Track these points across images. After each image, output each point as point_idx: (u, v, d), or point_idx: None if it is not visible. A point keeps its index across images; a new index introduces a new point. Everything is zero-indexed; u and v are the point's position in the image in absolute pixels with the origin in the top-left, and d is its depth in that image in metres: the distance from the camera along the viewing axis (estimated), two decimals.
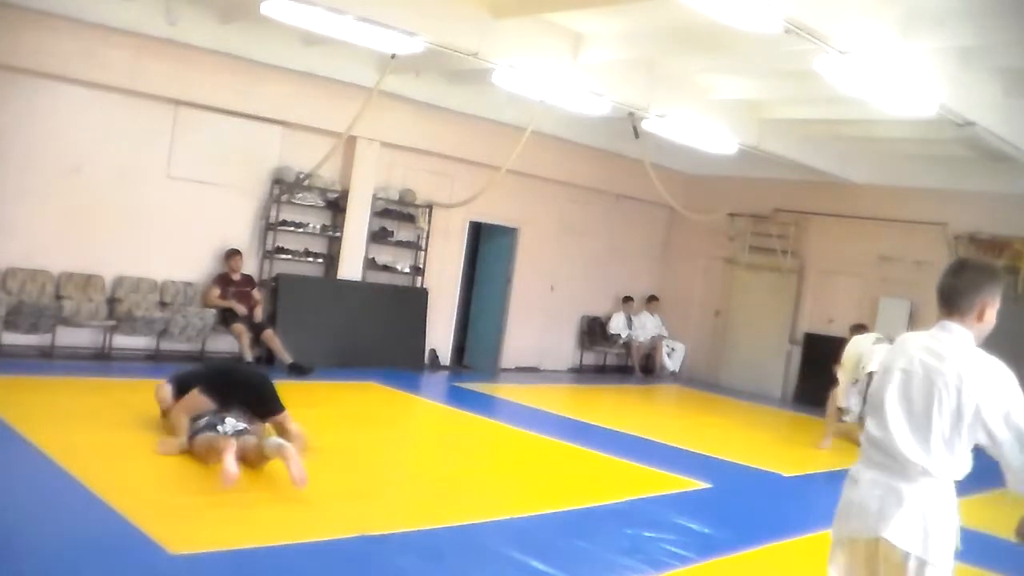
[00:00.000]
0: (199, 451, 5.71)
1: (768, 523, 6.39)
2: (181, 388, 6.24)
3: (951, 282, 2.99)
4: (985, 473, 3.06)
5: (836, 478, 9.06)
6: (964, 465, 2.82)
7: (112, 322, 9.06)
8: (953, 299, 2.95)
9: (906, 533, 2.77)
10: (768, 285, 13.72)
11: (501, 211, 12.44)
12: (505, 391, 11.14)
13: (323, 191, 10.72)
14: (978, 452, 2.88)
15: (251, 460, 5.55)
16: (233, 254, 9.83)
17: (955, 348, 2.87)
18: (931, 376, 2.83)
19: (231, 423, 5.82)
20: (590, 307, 14.04)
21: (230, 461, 5.14)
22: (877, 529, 2.82)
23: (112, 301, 9.17)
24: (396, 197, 11.40)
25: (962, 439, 2.78)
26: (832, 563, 3.00)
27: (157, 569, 3.94)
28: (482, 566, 4.62)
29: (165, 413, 6.30)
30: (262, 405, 6.21)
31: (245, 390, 6.22)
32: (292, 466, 5.20)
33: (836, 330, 11.76)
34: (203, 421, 5.86)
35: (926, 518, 2.77)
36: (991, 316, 2.98)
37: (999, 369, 2.82)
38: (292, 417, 6.23)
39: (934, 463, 2.78)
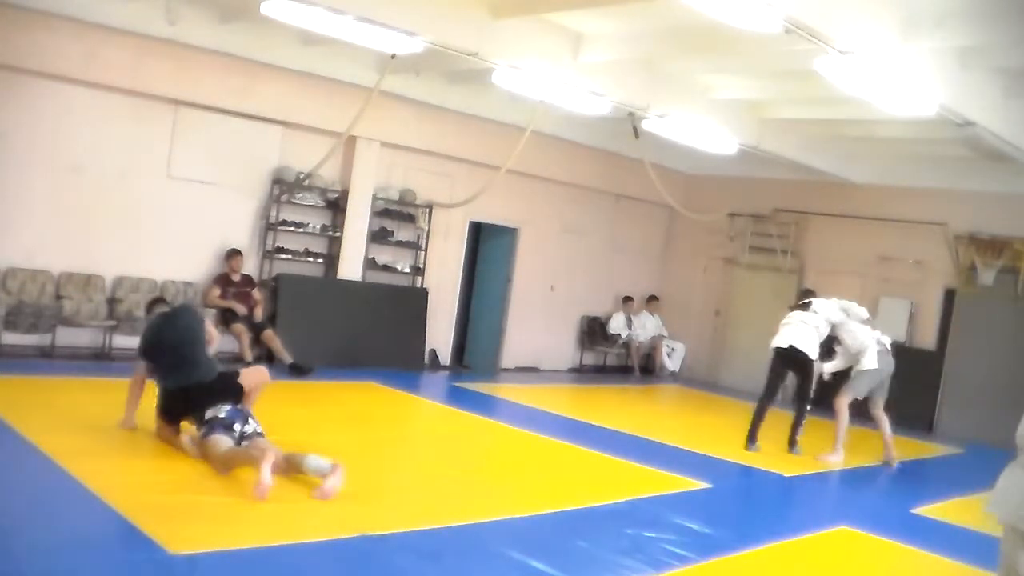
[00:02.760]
0: (221, 457, 5.42)
1: (768, 523, 6.39)
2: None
3: None
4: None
5: (836, 478, 9.08)
6: None
7: (112, 322, 9.06)
8: None
9: None
10: (768, 285, 13.72)
11: (501, 211, 12.44)
12: (505, 391, 11.14)
13: (323, 191, 10.72)
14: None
15: (280, 470, 5.28)
16: (234, 254, 9.83)
17: None
18: None
19: (253, 426, 5.66)
20: (590, 307, 14.04)
21: (267, 474, 4.98)
22: None
23: (112, 301, 9.18)
24: (396, 197, 11.40)
25: None
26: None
27: (157, 569, 3.94)
28: (482, 566, 4.62)
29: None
30: (230, 395, 5.89)
31: (209, 400, 5.79)
32: (330, 483, 5.14)
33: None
34: (220, 415, 5.59)
35: None
36: None
37: None
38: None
39: None
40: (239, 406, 5.76)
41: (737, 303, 14.16)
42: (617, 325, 13.98)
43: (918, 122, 8.79)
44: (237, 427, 5.59)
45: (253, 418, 5.77)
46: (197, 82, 9.36)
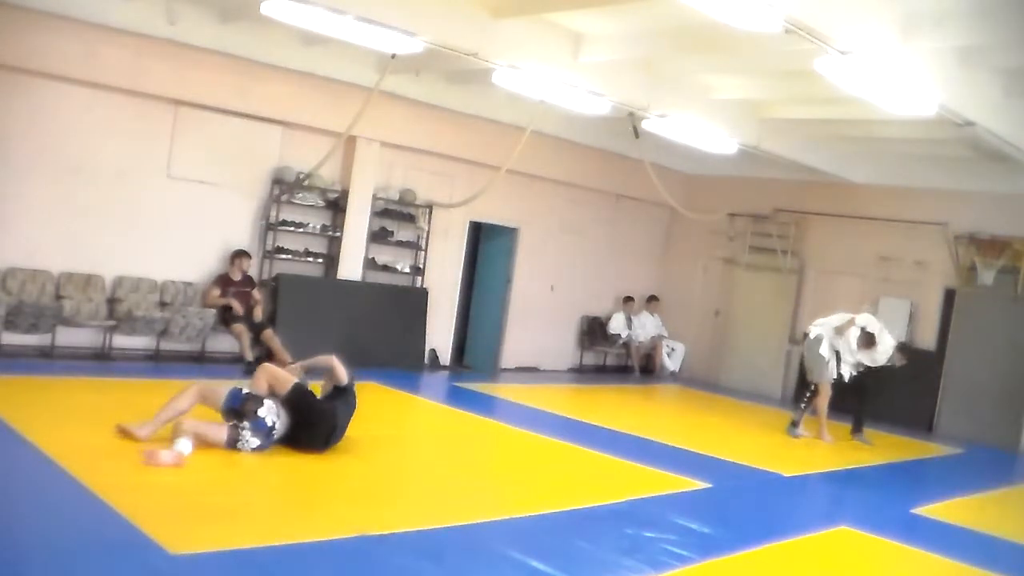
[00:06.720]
0: (199, 430, 5.87)
1: (768, 523, 6.39)
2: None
3: None
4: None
5: (836, 478, 9.09)
6: None
7: (112, 322, 9.06)
8: None
9: None
10: (768, 285, 13.72)
11: (501, 211, 12.44)
12: (505, 391, 11.14)
13: (323, 191, 10.72)
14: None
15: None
16: (240, 255, 9.80)
17: None
18: None
19: (248, 437, 5.98)
20: (590, 307, 14.04)
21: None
22: None
23: (112, 301, 9.18)
24: (396, 197, 11.40)
25: None
26: None
27: (157, 569, 3.94)
28: (482, 566, 4.62)
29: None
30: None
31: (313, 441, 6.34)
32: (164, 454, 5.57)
33: None
34: (260, 414, 6.02)
35: None
36: None
37: None
38: None
39: None
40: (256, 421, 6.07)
41: (737, 303, 14.16)
42: (617, 325, 13.98)
43: (918, 122, 8.78)
44: (243, 437, 5.95)
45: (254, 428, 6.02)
46: (197, 82, 9.36)
